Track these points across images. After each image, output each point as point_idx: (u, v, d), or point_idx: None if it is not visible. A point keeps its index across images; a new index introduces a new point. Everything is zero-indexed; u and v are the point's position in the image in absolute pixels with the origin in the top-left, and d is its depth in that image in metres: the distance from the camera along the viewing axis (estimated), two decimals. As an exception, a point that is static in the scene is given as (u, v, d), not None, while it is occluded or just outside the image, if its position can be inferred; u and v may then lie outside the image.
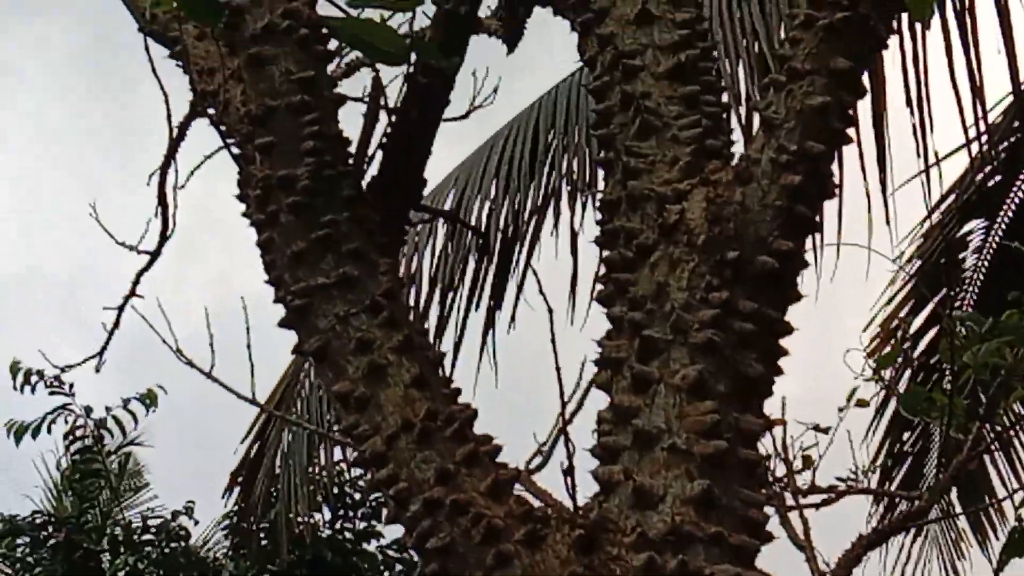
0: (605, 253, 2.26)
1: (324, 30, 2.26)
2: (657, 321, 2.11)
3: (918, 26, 5.69)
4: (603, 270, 2.25)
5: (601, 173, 2.38)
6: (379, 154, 2.32)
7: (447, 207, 5.80)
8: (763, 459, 2.16)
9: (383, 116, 2.36)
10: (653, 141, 2.29)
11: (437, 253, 5.84)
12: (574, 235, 5.71)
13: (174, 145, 3.47)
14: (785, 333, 2.17)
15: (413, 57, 2.25)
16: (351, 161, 2.26)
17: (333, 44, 2.28)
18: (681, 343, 2.09)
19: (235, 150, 2.30)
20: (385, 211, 2.27)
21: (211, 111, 2.43)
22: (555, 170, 5.73)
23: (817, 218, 2.20)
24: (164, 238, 3.75)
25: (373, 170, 2.34)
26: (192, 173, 3.56)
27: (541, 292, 2.98)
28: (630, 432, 2.05)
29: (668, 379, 2.07)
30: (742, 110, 5.62)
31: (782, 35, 5.56)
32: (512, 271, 5.74)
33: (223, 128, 2.38)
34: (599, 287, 2.25)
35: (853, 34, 2.20)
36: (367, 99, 2.37)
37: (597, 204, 2.32)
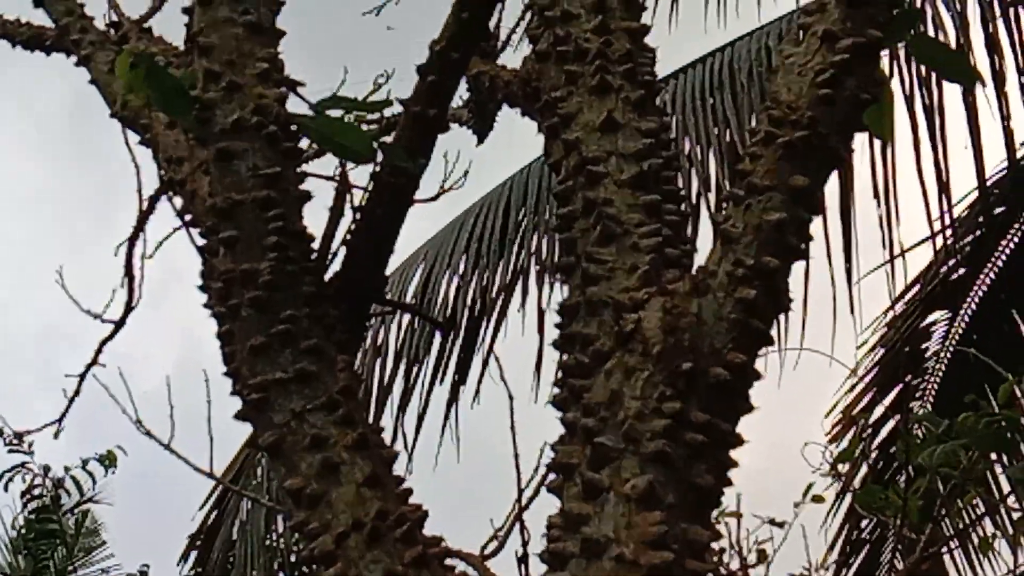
0: (563, 357, 2.29)
1: (293, 127, 2.29)
2: (610, 429, 2.13)
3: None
4: (560, 374, 2.27)
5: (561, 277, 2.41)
6: (343, 250, 2.34)
7: (415, 282, 5.83)
8: (710, 569, 2.18)
9: (348, 210, 2.39)
10: (613, 248, 2.32)
11: (404, 327, 5.86)
12: (541, 313, 5.74)
13: (143, 219, 3.49)
14: (736, 444, 2.19)
15: (380, 156, 2.28)
16: (314, 257, 2.28)
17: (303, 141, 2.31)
18: (633, 452, 2.11)
19: (199, 240, 2.32)
20: (346, 307, 2.29)
21: (178, 200, 2.45)
22: (524, 248, 5.77)
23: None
24: (129, 308, 3.76)
25: (337, 265, 2.36)
26: (159, 246, 3.57)
27: (503, 378, 3.00)
28: (578, 540, 2.07)
29: (618, 488, 2.08)
30: (711, 196, 5.69)
31: (753, 123, 5.64)
32: (478, 347, 5.76)
33: (189, 217, 2.40)
34: (555, 390, 2.27)
35: (812, 153, 2.24)
36: (335, 182, 2.40)
37: (557, 308, 2.34)
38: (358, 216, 2.29)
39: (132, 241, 3.57)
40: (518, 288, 5.73)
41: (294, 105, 2.30)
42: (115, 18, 3.13)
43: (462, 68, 2.30)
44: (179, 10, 2.37)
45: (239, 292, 2.20)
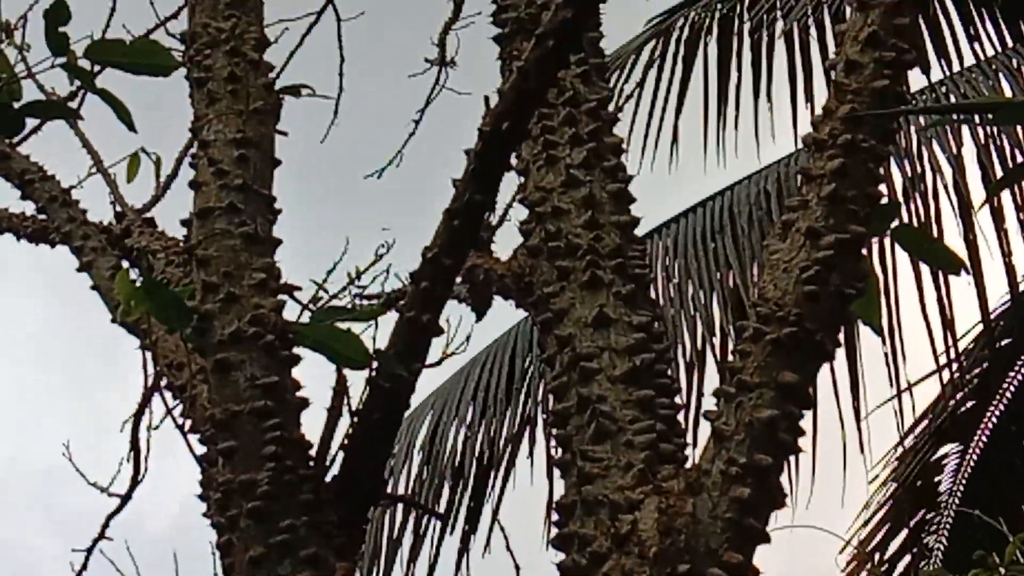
0: (560, 556, 2.30)
1: (290, 335, 2.33)
2: (609, 633, 2.14)
3: (889, 259, 5.84)
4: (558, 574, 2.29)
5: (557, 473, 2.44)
6: (341, 453, 2.37)
7: (423, 433, 5.85)
8: None
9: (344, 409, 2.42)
10: (608, 445, 2.35)
11: (412, 477, 5.87)
12: (550, 460, 5.74)
13: (148, 395, 3.53)
14: (735, 644, 2.19)
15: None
16: (312, 463, 2.31)
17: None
18: (633, 657, 2.12)
19: (198, 448, 2.36)
20: (345, 510, 2.31)
21: (177, 405, 2.49)
22: (531, 397, 5.80)
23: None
24: (135, 482, 3.77)
25: (335, 468, 2.38)
26: (164, 419, 3.61)
27: (508, 549, 3.01)
28: None
29: None
30: (715, 340, 5.73)
31: (755, 269, 5.70)
32: (487, 496, 5.77)
33: (187, 423, 2.44)
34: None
35: (800, 349, 2.27)
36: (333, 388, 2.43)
37: (554, 505, 2.37)
38: (355, 420, 2.33)
39: (137, 417, 3.60)
40: (526, 436, 5.75)
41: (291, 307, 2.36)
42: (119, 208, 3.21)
43: (455, 273, 2.35)
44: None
45: (238, 503, 2.23)
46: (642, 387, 2.39)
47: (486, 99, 2.33)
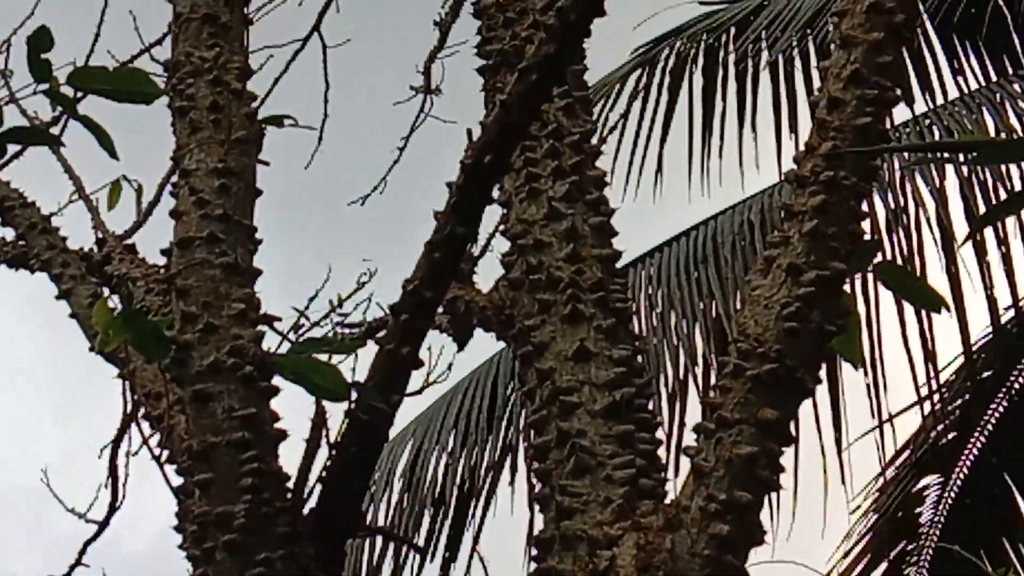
0: (538, 593, 2.29)
1: (269, 365, 2.32)
2: (586, 671, 2.13)
3: (871, 290, 5.84)
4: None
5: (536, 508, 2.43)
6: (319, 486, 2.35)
7: (404, 460, 5.83)
8: None
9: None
10: (587, 480, 2.34)
11: (393, 505, 5.85)
12: (531, 489, 5.72)
13: (126, 424, 3.51)
14: None
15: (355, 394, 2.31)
16: (289, 496, 2.30)
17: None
18: None
19: (174, 480, 2.34)
20: (322, 543, 2.30)
21: (153, 433, 2.48)
22: (512, 425, 5.78)
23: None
24: (112, 509, 3.74)
25: (313, 501, 2.37)
26: (143, 444, 3.59)
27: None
28: None
29: None
30: (698, 370, 5.72)
31: (738, 299, 5.70)
32: (468, 525, 5.75)
33: (164, 454, 2.42)
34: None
35: (780, 385, 2.27)
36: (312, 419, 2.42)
37: (532, 539, 2.36)
38: (333, 453, 2.31)
39: (116, 444, 3.58)
40: (507, 465, 5.73)
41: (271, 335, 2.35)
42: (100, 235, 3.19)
43: (435, 306, 2.34)
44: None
45: (214, 535, 2.21)
46: (622, 422, 2.39)
47: (468, 132, 2.33)
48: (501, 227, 2.63)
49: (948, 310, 2.46)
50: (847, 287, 2.38)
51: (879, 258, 2.52)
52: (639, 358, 2.50)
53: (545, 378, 2.44)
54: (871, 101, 2.36)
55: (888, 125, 2.44)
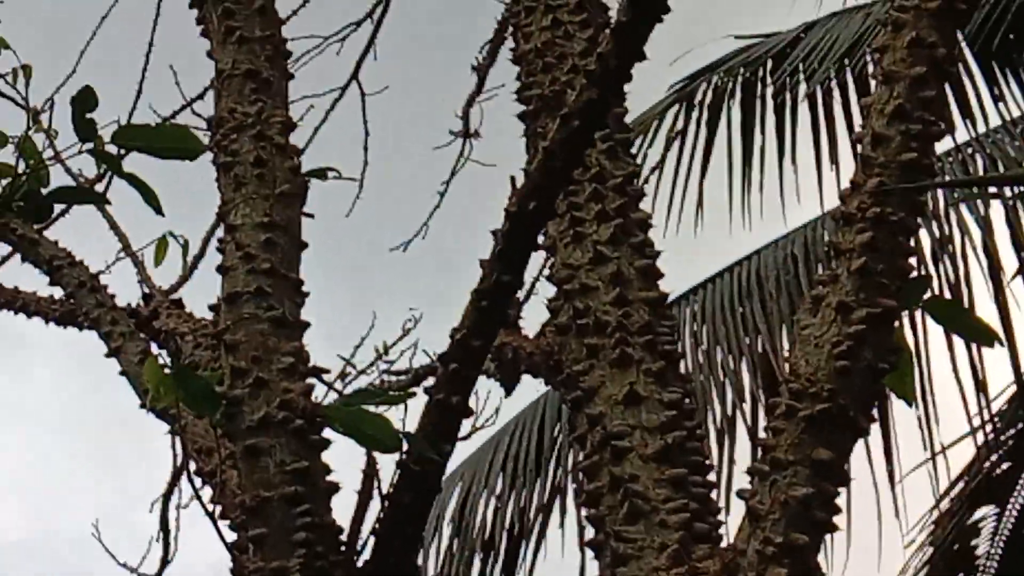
0: (595, 640, 2.28)
1: (319, 418, 2.32)
2: None
3: (920, 321, 5.80)
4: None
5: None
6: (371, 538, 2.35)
7: (453, 504, 5.82)
8: None
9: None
10: (641, 526, 2.32)
11: (443, 551, 5.84)
12: (582, 531, 5.69)
13: (176, 478, 3.52)
14: None
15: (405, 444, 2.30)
16: (343, 548, 2.29)
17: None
18: None
19: (228, 535, 2.34)
20: (376, 596, 2.29)
21: (207, 490, 2.48)
22: (561, 466, 5.76)
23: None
24: (164, 563, 3.76)
25: (367, 552, 2.36)
26: (192, 498, 3.59)
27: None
28: None
29: None
30: (746, 407, 5.69)
31: (784, 334, 5.67)
32: (518, 568, 5.72)
33: (220, 507, 2.42)
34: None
35: (833, 425, 2.25)
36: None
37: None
38: (385, 504, 2.31)
39: (167, 497, 3.59)
40: (557, 506, 5.71)
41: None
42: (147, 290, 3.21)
43: (484, 355, 2.34)
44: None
45: (268, 590, 2.21)
46: (674, 465, 2.37)
47: (512, 179, 2.33)
48: (547, 272, 2.63)
49: (1000, 343, 2.43)
50: (896, 322, 2.37)
51: (928, 294, 2.49)
52: (689, 400, 2.48)
53: (596, 423, 2.43)
54: (916, 136, 2.34)
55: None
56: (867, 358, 2.27)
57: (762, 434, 2.30)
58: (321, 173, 2.54)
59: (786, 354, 5.65)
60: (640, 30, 2.16)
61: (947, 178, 5.57)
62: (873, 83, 2.41)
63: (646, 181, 5.87)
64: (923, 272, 5.69)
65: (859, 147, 2.40)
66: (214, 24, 2.57)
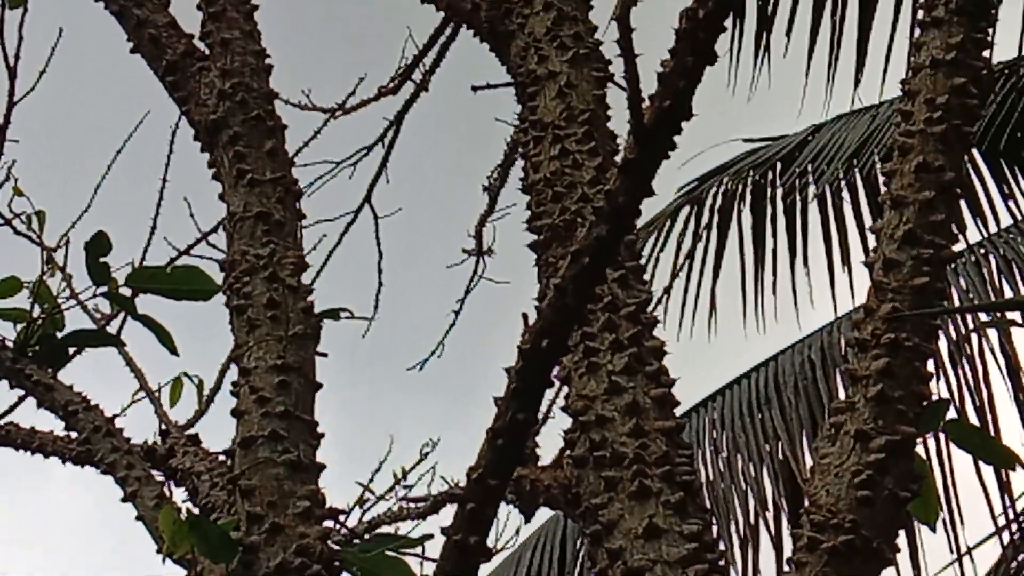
0: None
1: (336, 563, 2.30)
2: None
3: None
4: None
5: None
6: None
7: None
8: None
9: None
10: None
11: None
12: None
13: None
14: None
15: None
16: None
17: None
18: None
19: None
20: None
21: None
22: (584, 580, 5.70)
23: None
24: None
25: None
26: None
27: None
28: None
29: None
30: (769, 515, 5.63)
31: (804, 440, 5.63)
32: None
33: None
34: None
35: (857, 557, 2.22)
36: None
37: None
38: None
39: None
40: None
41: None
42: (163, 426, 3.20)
43: (501, 493, 2.31)
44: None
45: None
46: (698, 595, 2.34)
47: (524, 316, 2.32)
48: (562, 404, 2.62)
49: (1021, 465, 2.41)
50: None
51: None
52: (710, 532, 2.46)
53: (616, 558, 2.41)
54: (927, 260, 2.35)
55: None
56: (889, 487, 2.25)
57: (786, 567, 2.27)
58: (334, 314, 2.54)
59: (807, 460, 5.63)
60: (647, 168, 2.17)
61: (962, 281, 5.56)
62: (884, 208, 2.42)
63: (666, 295, 5.88)
64: (941, 372, 5.66)
65: (871, 271, 2.40)
66: (225, 167, 2.59)
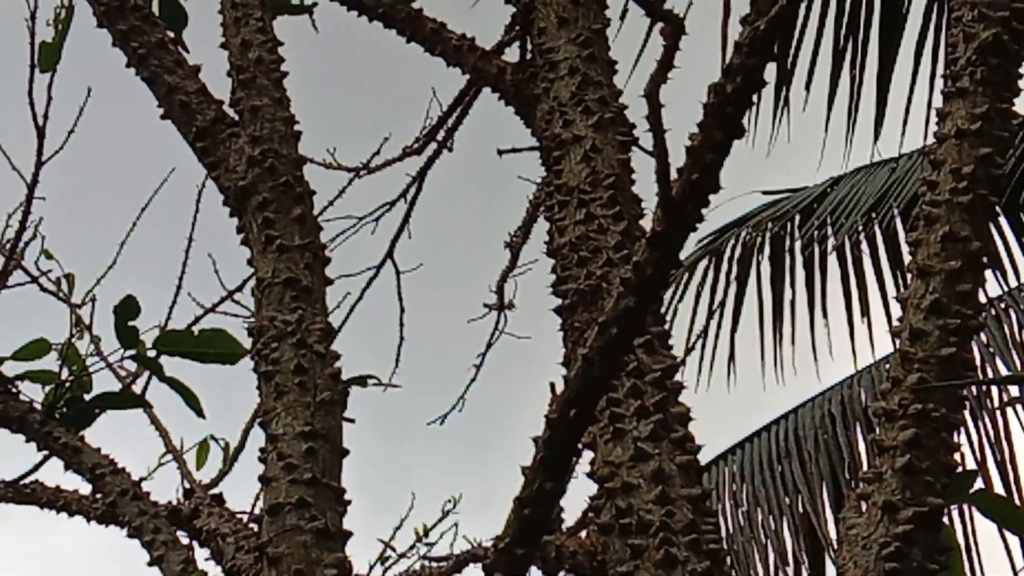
0: None
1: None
2: None
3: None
4: None
5: None
6: None
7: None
8: None
9: None
10: None
11: None
12: None
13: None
14: None
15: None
16: None
17: None
18: None
19: None
20: None
21: None
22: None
23: None
24: None
25: None
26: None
27: None
28: None
29: None
30: (789, 570, 5.62)
31: (824, 493, 5.62)
32: None
33: None
34: None
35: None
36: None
37: None
38: None
39: None
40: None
41: None
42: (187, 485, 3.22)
43: (529, 562, 2.31)
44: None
45: None
46: None
47: (552, 385, 2.33)
48: (588, 470, 2.62)
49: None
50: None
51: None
52: (737, 601, 2.46)
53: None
54: (954, 331, 2.34)
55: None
56: (917, 559, 2.24)
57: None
58: (361, 381, 2.56)
59: (827, 514, 5.60)
60: (675, 240, 2.18)
61: (982, 335, 5.55)
62: (909, 277, 2.42)
63: (690, 349, 5.87)
64: (962, 427, 5.64)
65: (897, 340, 2.40)
66: (254, 233, 2.61)
